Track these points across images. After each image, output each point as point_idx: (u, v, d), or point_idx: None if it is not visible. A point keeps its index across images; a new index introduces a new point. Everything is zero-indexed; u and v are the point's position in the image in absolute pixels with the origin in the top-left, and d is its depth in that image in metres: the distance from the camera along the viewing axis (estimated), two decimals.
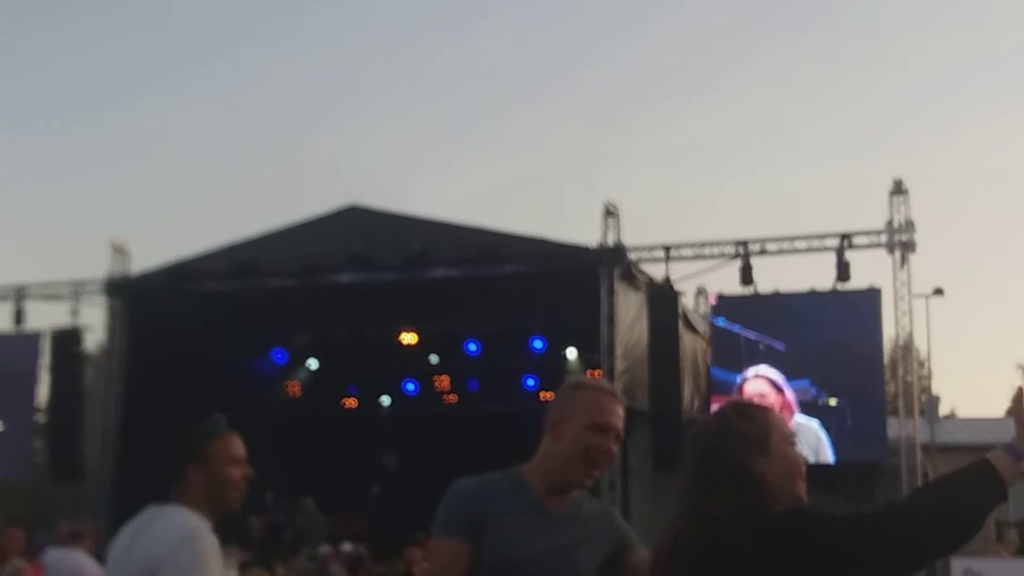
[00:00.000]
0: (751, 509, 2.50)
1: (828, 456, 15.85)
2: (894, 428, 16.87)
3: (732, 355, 16.71)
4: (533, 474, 3.29)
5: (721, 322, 16.99)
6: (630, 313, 17.52)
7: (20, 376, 19.46)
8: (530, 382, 22.59)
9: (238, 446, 3.73)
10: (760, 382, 16.42)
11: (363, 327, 21.32)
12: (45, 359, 19.47)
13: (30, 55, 64.86)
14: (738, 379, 16.47)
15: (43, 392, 19.75)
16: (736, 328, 16.67)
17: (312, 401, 23.63)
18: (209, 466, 3.64)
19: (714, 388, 17.05)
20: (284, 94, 68.26)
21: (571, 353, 21.12)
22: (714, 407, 16.70)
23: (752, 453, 2.57)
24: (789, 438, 2.68)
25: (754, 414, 2.67)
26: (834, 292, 16.45)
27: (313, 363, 23.16)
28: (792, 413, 16.07)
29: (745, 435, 2.60)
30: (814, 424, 15.98)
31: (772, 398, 16.28)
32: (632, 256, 17.40)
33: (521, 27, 65.81)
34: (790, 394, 16.21)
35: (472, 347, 21.73)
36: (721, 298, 17.39)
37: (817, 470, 16.07)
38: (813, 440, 15.86)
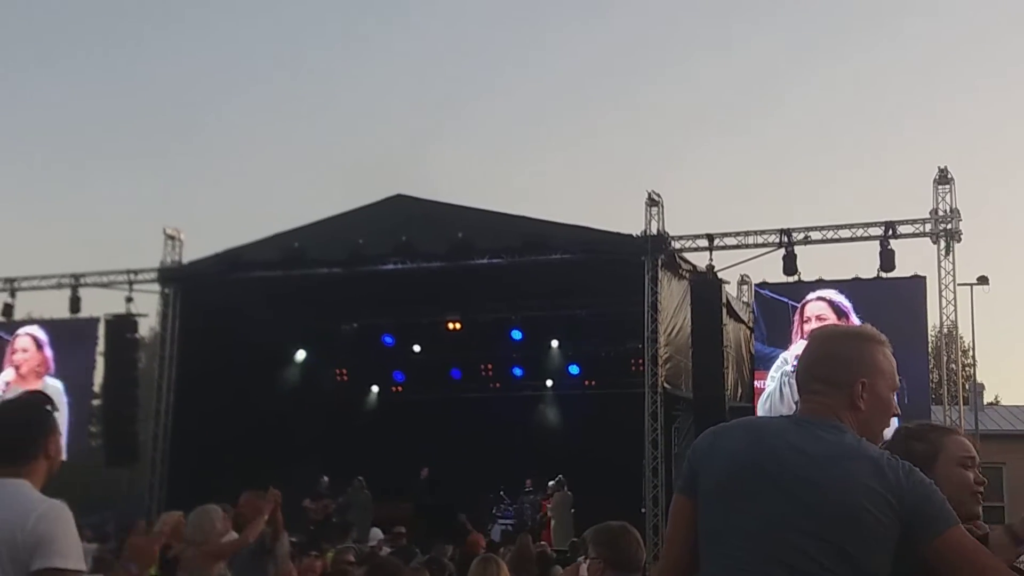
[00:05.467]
0: None
1: None
2: (938, 416, 16.85)
3: (781, 328, 16.52)
4: None
5: (768, 293, 16.85)
6: (673, 301, 17.60)
7: (76, 362, 19.93)
8: (573, 369, 22.74)
9: None
10: (821, 304, 16.24)
11: (409, 315, 21.59)
12: (100, 345, 19.94)
13: (81, 50, 65.91)
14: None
15: (99, 377, 20.26)
16: (784, 299, 16.55)
17: (359, 387, 23.98)
18: None
19: (762, 363, 16.91)
20: (331, 84, 68.82)
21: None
22: (761, 383, 16.76)
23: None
24: (962, 460, 2.84)
25: (927, 435, 2.87)
26: (878, 280, 16.42)
27: (360, 350, 23.48)
28: None
29: (913, 454, 2.77)
30: None
31: (833, 320, 16.08)
32: (675, 245, 17.45)
33: (568, 26, 65.75)
34: (855, 320, 15.79)
35: (516, 334, 21.91)
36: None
37: None
38: None
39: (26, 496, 3.12)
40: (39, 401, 3.43)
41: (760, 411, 16.32)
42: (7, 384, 20.04)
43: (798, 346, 16.15)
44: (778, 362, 16.40)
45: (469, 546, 11.28)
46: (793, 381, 16.05)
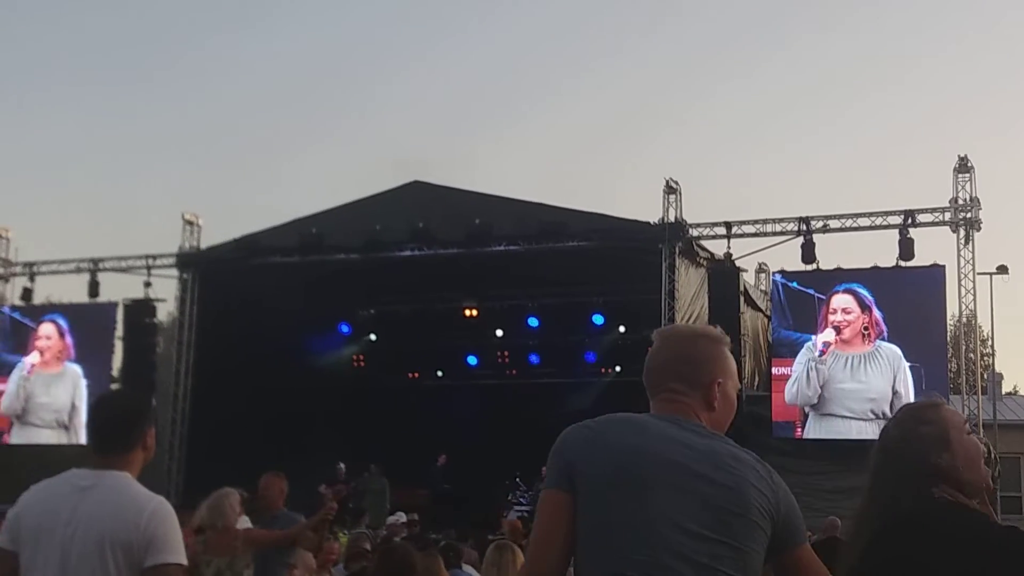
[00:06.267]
0: (945, 501, 2.75)
1: (908, 380, 15.69)
2: (956, 405, 16.76)
3: (807, 317, 16.65)
4: None
5: (795, 285, 16.92)
6: (691, 289, 17.57)
7: (95, 346, 20.07)
8: (589, 357, 22.71)
9: None
10: (848, 296, 16.32)
11: (425, 301, 21.59)
12: (119, 330, 20.06)
13: (99, 29, 66.07)
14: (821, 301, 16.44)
15: (117, 361, 20.38)
16: (810, 291, 16.60)
17: (377, 374, 24.00)
18: None
19: (786, 350, 17.01)
20: (347, 70, 68.81)
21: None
22: (781, 369, 16.78)
23: (935, 451, 2.81)
24: (964, 427, 2.90)
25: (929, 416, 2.90)
26: (897, 269, 16.35)
27: (377, 336, 23.49)
28: (880, 333, 16.03)
29: (927, 437, 2.83)
30: (897, 350, 15.90)
31: (857, 313, 16.22)
32: (693, 232, 17.43)
33: (583, 4, 65.48)
34: (878, 314, 16.05)
35: (533, 322, 21.89)
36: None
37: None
38: (895, 362, 15.83)
39: (134, 492, 3.26)
40: (141, 394, 3.58)
41: (787, 395, 16.47)
42: (32, 366, 20.64)
43: (825, 334, 16.25)
44: (808, 346, 16.52)
45: (512, 534, 11.34)
46: (820, 366, 16.11)
